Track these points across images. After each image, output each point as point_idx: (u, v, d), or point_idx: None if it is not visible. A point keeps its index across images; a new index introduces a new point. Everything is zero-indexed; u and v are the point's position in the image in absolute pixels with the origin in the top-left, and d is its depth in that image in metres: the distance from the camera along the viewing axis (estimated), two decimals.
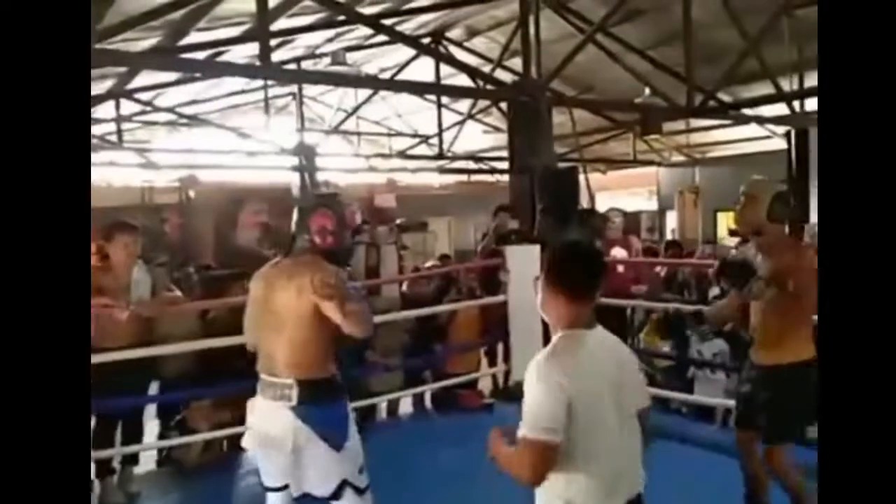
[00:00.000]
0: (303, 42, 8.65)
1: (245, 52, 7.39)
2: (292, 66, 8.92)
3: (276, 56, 8.82)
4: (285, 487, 2.43)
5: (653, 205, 12.94)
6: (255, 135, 9.77)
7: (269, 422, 2.38)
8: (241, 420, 4.33)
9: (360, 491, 2.37)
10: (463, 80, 7.89)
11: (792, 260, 2.75)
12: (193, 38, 6.26)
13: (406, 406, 5.65)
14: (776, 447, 2.79)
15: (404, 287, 5.91)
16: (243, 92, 10.43)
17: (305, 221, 2.46)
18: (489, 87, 6.76)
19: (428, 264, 6.86)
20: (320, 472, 2.33)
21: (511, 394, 5.58)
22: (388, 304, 5.35)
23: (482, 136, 11.68)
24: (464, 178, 13.36)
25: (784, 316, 2.76)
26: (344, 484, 2.33)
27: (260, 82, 9.67)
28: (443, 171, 11.29)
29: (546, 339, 5.92)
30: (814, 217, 9.38)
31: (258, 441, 2.50)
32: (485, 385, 5.93)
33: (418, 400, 5.63)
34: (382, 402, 5.30)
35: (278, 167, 9.66)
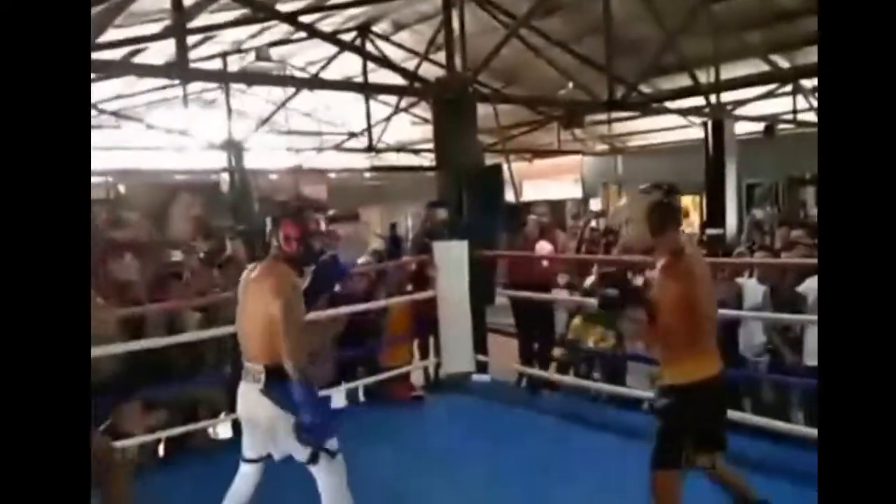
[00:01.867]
0: (227, 37, 8.53)
1: (168, 49, 7.26)
2: (217, 62, 8.79)
3: (200, 51, 8.70)
4: (261, 459, 2.86)
5: (577, 192, 13.31)
6: (183, 129, 9.59)
7: (246, 400, 2.80)
8: (184, 421, 4.35)
9: (332, 454, 2.74)
10: (390, 73, 7.95)
11: (671, 282, 2.60)
12: (111, 35, 6.13)
13: (339, 400, 5.74)
14: (656, 473, 2.61)
15: None
16: (169, 87, 10.21)
17: (276, 230, 2.84)
18: (414, 82, 6.84)
19: (360, 260, 6.91)
20: (294, 441, 2.68)
21: (442, 386, 5.75)
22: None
23: (411, 126, 11.76)
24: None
25: (669, 337, 2.63)
26: (317, 450, 2.71)
27: None
28: (373, 169, 11.33)
29: (476, 333, 6.08)
30: (730, 204, 9.86)
31: (241, 417, 2.92)
32: (416, 378, 6.06)
33: (352, 393, 5.72)
34: None
35: (207, 161, 9.53)
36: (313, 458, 2.71)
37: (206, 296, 4.98)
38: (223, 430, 5.13)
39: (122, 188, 10.34)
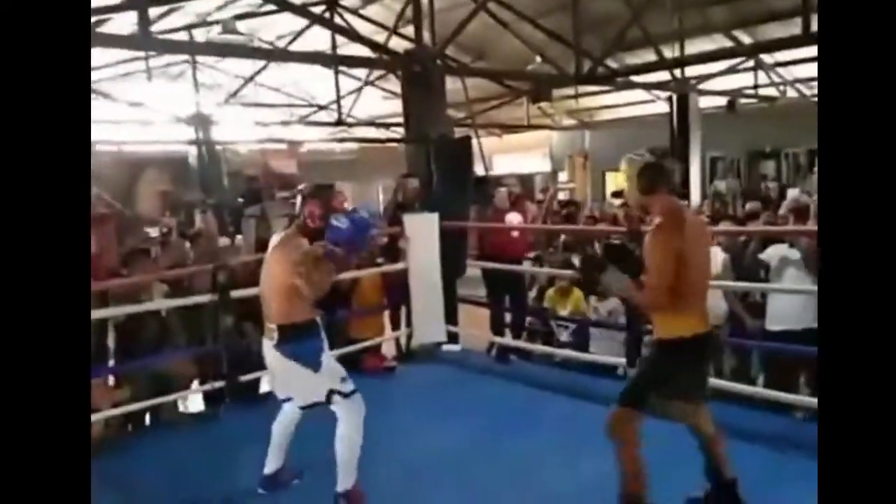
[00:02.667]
0: (193, 9, 8.41)
1: (133, 20, 7.14)
2: (183, 35, 8.66)
3: (166, 23, 8.58)
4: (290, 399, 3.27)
5: (546, 166, 13.45)
6: (149, 103, 9.45)
7: (267, 355, 3.19)
8: (153, 395, 4.35)
9: (345, 395, 3.10)
10: (358, 47, 7.94)
11: (659, 238, 2.61)
12: None
13: None
14: (617, 407, 2.72)
15: None
16: (134, 60, 10.04)
17: (303, 207, 3.16)
18: (383, 55, 6.84)
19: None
20: (309, 387, 3.10)
21: (413, 356, 5.85)
22: None
23: (382, 101, 11.74)
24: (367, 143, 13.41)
25: (655, 293, 2.65)
26: (331, 392, 3.08)
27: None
28: (343, 140, 11.29)
29: (447, 304, 6.15)
30: (694, 177, 10.06)
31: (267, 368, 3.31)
32: (388, 349, 6.14)
33: None
34: None
35: (175, 136, 9.42)
36: (328, 400, 3.07)
37: (176, 269, 4.96)
38: (194, 404, 5.17)
39: None
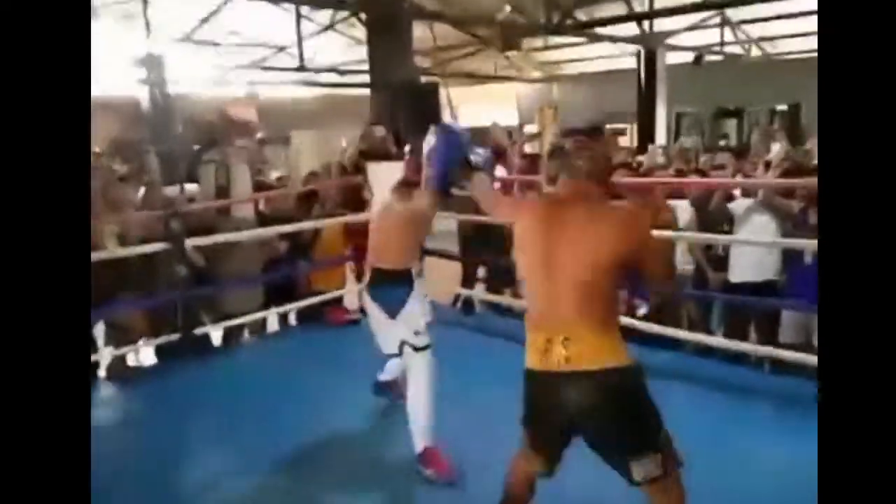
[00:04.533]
0: None
1: None
2: None
3: None
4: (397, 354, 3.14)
5: (513, 119, 13.31)
6: (97, 44, 8.95)
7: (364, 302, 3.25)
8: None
9: (416, 349, 2.98)
10: None
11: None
12: None
13: (272, 324, 5.69)
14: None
15: (261, 205, 5.72)
16: None
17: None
18: None
19: (276, 174, 6.69)
20: (386, 335, 3.07)
21: None
22: (239, 225, 5.12)
23: (346, 48, 11.38)
24: (328, 91, 13.02)
25: None
26: (402, 344, 3.00)
27: None
28: (303, 84, 10.94)
29: None
30: (660, 132, 10.05)
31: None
32: (351, 301, 6.02)
33: (283, 318, 5.66)
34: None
35: (125, 79, 8.96)
36: (399, 351, 3.01)
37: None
38: (146, 357, 5.01)
39: None
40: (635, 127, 10.53)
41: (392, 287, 3.08)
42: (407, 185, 3.14)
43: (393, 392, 3.59)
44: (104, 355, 4.51)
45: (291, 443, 3.29)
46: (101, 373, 4.50)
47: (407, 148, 3.35)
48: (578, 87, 12.00)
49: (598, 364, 1.92)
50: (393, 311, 3.04)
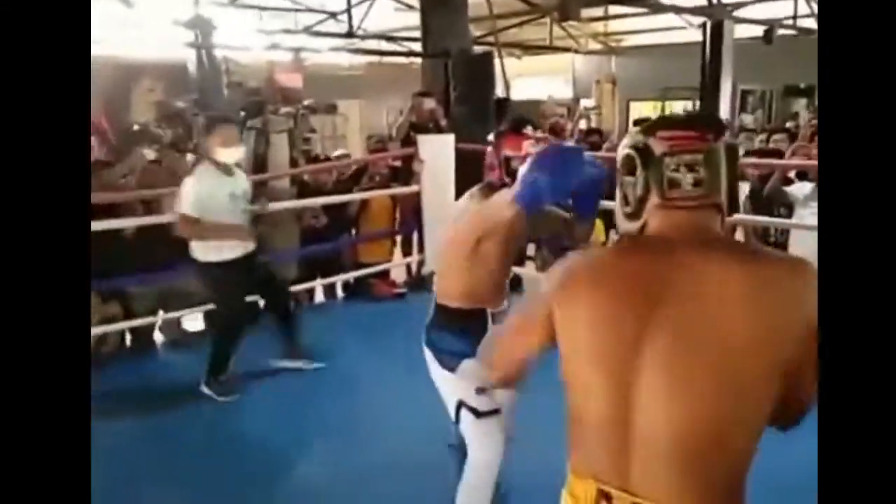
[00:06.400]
0: None
1: None
2: None
3: None
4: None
5: (568, 92, 12.85)
6: (142, 4, 8.83)
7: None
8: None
9: (477, 413, 2.19)
10: None
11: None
12: None
13: (318, 296, 5.59)
14: None
15: (306, 176, 5.55)
16: None
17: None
18: None
19: (337, 153, 6.54)
20: (445, 394, 2.27)
21: (424, 283, 5.56)
22: (278, 195, 4.84)
23: (395, 13, 11.05)
24: (375, 59, 12.74)
25: None
26: (460, 405, 2.20)
27: None
28: (353, 51, 10.67)
29: None
30: (724, 110, 9.56)
31: None
32: (398, 275, 5.87)
33: (329, 290, 5.54)
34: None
35: (172, 41, 8.82)
36: (456, 416, 2.20)
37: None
38: (196, 323, 4.95)
39: None
40: (697, 104, 10.06)
41: (453, 334, 2.24)
42: (491, 189, 2.26)
43: None
44: (160, 320, 4.60)
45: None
46: (158, 336, 4.63)
47: (490, 136, 2.42)
48: (638, 60, 11.46)
49: None
50: (449, 364, 2.24)
